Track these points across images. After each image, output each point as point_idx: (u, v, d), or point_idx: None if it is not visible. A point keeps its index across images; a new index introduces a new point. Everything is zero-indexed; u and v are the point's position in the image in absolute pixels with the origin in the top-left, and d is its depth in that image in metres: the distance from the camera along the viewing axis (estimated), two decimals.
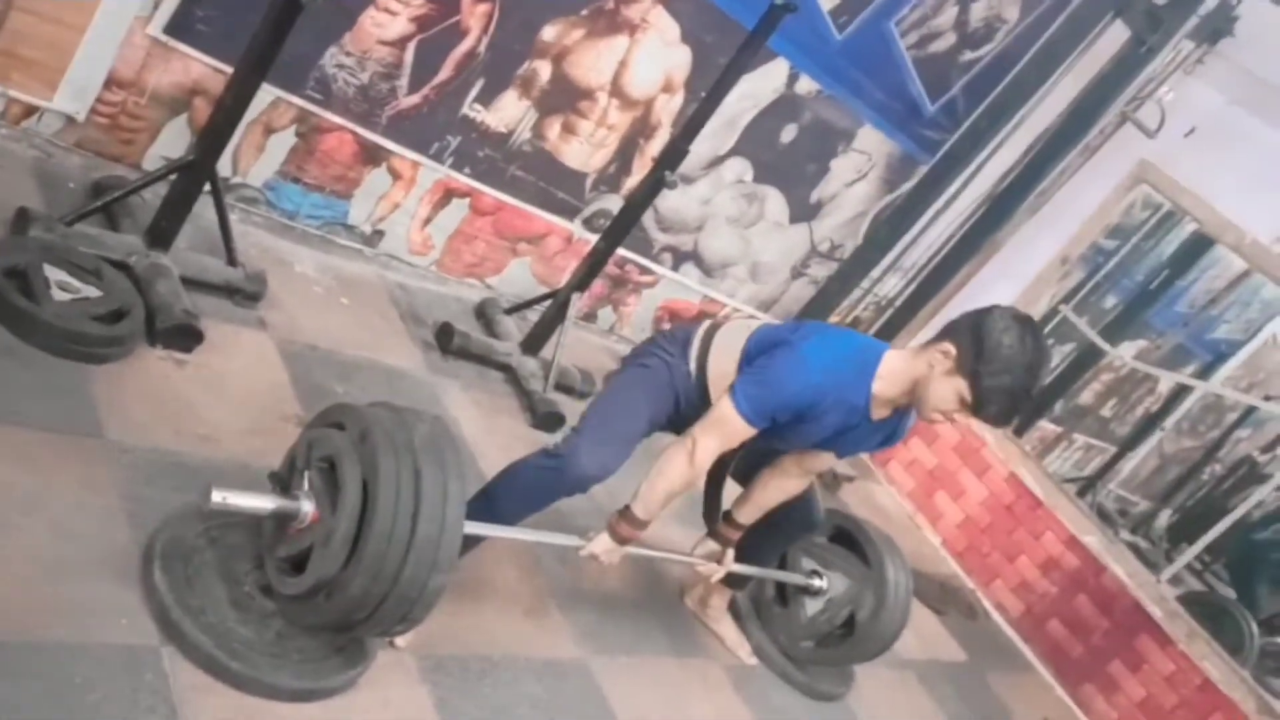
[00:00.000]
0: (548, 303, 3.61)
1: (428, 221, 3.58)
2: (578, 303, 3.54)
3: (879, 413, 2.35)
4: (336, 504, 1.87)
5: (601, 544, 2.41)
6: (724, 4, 3.51)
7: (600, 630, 2.79)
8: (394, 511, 1.81)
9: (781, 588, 3.17)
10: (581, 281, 3.52)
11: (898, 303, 4.82)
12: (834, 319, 4.77)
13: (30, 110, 2.71)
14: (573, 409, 3.64)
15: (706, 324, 2.49)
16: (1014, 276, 4.95)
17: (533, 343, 3.61)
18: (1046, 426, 6.99)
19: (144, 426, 2.31)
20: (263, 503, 1.91)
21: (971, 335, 2.12)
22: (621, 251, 4.10)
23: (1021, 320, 2.14)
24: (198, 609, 1.95)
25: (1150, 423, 6.83)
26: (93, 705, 1.72)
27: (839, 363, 2.27)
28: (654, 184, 3.37)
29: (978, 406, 2.13)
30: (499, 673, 2.40)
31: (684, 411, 2.43)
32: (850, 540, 3.13)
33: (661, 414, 2.44)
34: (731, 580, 3.04)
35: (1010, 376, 2.08)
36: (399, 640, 2.26)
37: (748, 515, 2.72)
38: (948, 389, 2.16)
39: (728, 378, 2.34)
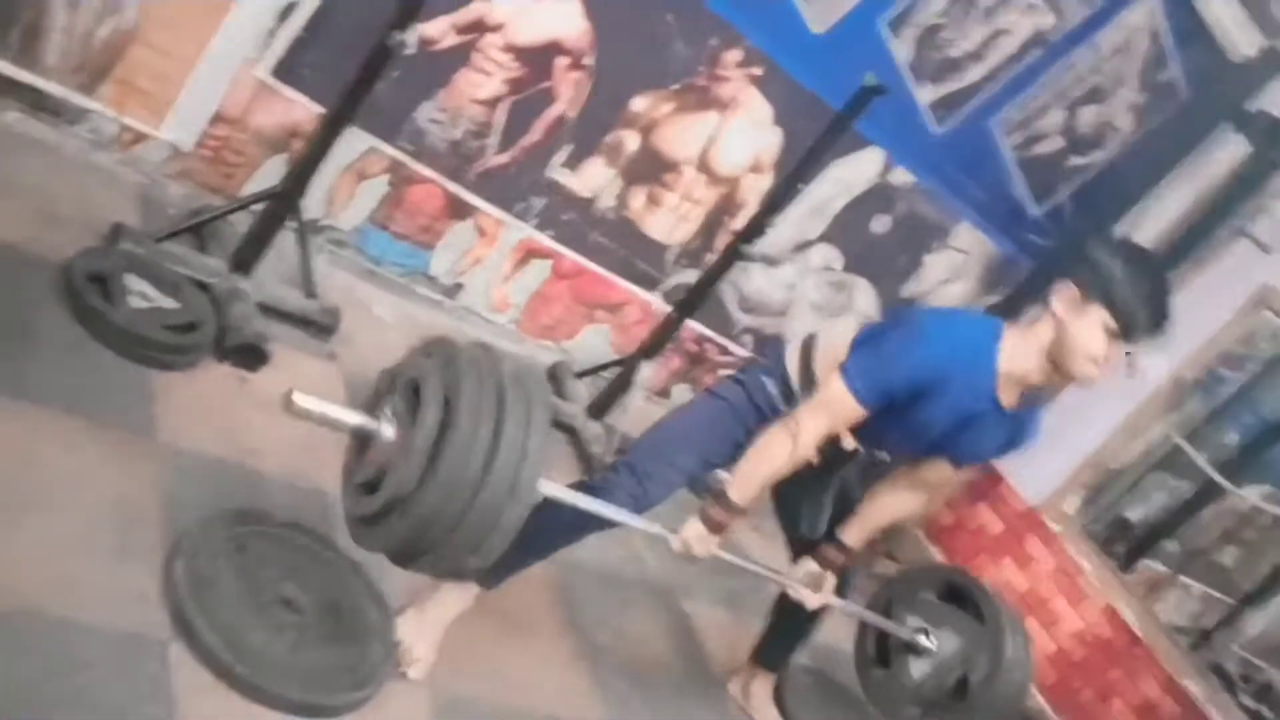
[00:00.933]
0: (618, 369, 3.60)
1: (508, 279, 3.63)
2: (647, 372, 3.51)
3: (1007, 397, 2.13)
4: (417, 421, 1.77)
5: (693, 529, 2.20)
6: (819, 89, 3.53)
7: (630, 700, 2.66)
8: (474, 430, 1.69)
9: (882, 648, 2.79)
10: (650, 350, 3.51)
11: None
12: None
13: (140, 137, 2.89)
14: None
15: (795, 342, 2.37)
16: (1124, 397, 4.71)
17: (599, 408, 3.58)
18: (1158, 569, 6.55)
19: (195, 433, 2.36)
20: (345, 415, 1.81)
21: (1085, 268, 2.00)
22: (701, 329, 4.10)
23: (1124, 240, 2.03)
24: (213, 608, 1.93)
25: (1276, 576, 6.32)
26: (86, 685, 1.70)
27: (961, 334, 2.11)
28: (730, 256, 3.36)
29: (1128, 321, 1.94)
30: None
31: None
32: (961, 598, 2.74)
33: (726, 447, 2.29)
34: (771, 660, 2.88)
35: (1143, 280, 1.96)
36: (413, 671, 2.20)
37: (856, 536, 2.49)
38: (1087, 326, 1.97)
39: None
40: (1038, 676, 4.63)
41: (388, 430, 1.81)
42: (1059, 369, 2.06)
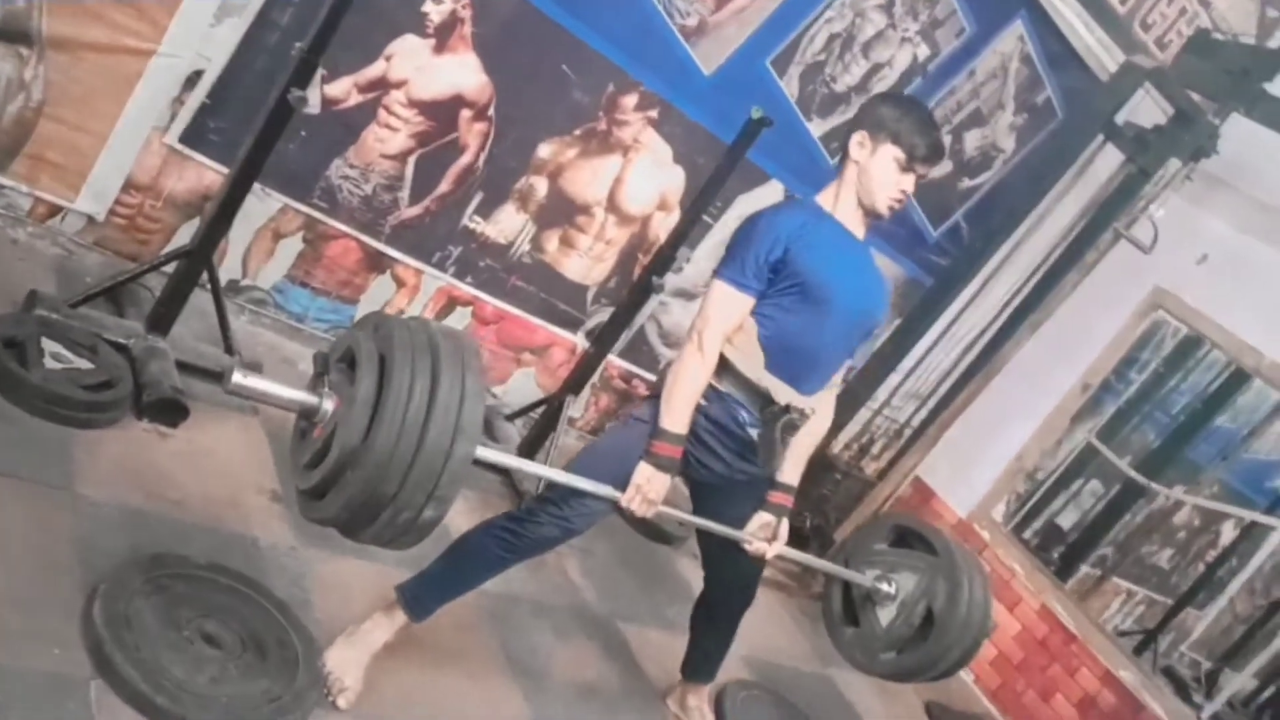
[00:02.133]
0: (544, 409, 3.70)
1: None
2: (571, 408, 3.61)
3: (859, 223, 2.38)
4: (356, 379, 1.81)
5: (643, 473, 2.24)
6: (714, 127, 3.71)
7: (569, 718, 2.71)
8: (411, 374, 1.74)
9: (849, 607, 2.83)
10: (574, 386, 3.61)
11: (913, 424, 4.79)
12: (842, 439, 4.75)
13: (55, 210, 2.97)
14: None
15: None
16: (1034, 408, 4.90)
17: (530, 447, 3.67)
18: (1110, 580, 6.71)
19: (114, 486, 2.41)
20: (283, 391, 1.84)
21: (867, 115, 2.37)
22: (628, 365, 4.22)
23: (890, 91, 2.42)
24: (132, 646, 1.98)
25: (1210, 575, 6.51)
26: None
27: (791, 204, 2.51)
28: (642, 290, 3.50)
29: (912, 150, 2.29)
30: None
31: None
32: (912, 540, 2.82)
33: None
34: (697, 673, 2.95)
35: (914, 113, 2.33)
36: (341, 700, 2.24)
37: (793, 472, 2.55)
38: (881, 163, 2.32)
39: None
40: (983, 682, 4.75)
41: (328, 404, 1.85)
42: (868, 208, 2.37)
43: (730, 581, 2.75)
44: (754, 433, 2.41)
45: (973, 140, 4.33)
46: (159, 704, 1.91)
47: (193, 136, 3.02)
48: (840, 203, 2.38)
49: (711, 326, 2.27)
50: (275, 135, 2.70)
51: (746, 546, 2.51)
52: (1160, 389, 5.44)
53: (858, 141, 2.35)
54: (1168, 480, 5.92)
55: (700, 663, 2.93)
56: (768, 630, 3.94)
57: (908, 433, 4.80)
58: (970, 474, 5.04)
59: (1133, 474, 5.51)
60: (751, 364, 2.34)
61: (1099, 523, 5.92)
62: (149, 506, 2.43)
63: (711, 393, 2.36)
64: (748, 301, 2.28)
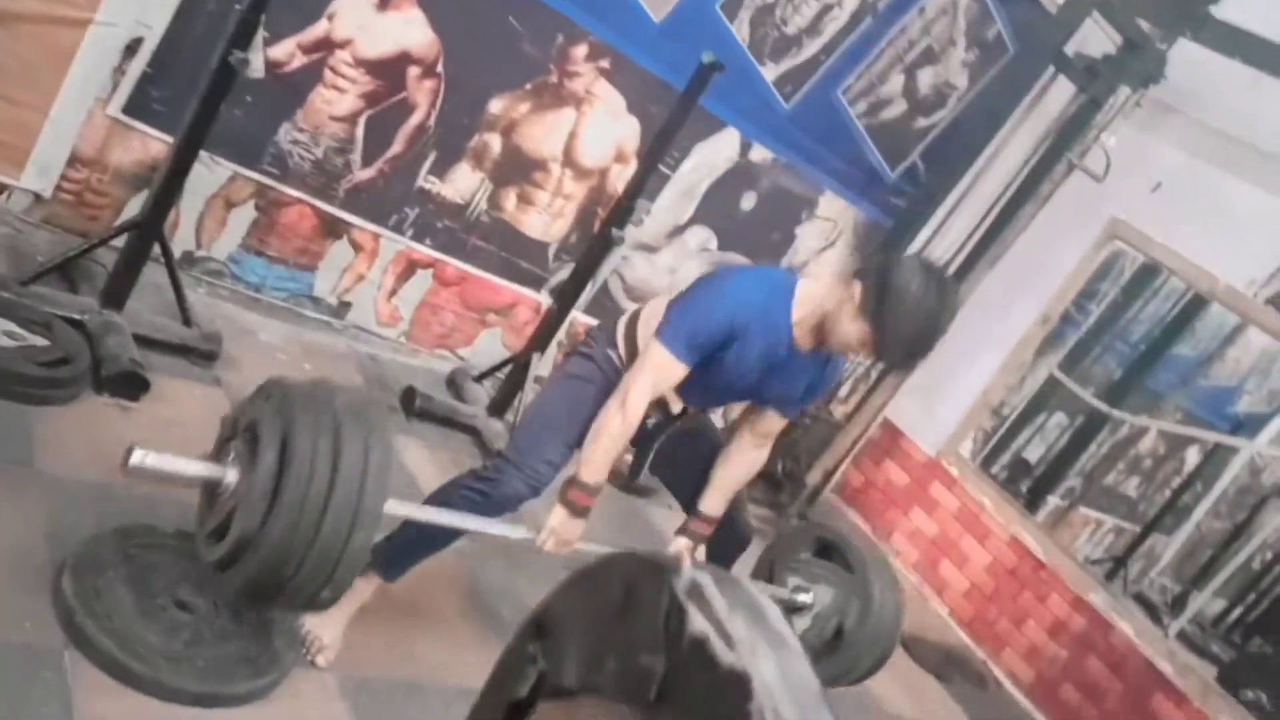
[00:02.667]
0: (511, 367, 3.70)
1: (393, 293, 3.72)
2: (537, 366, 3.62)
3: (804, 341, 2.30)
4: (256, 462, 1.85)
5: (557, 517, 2.30)
6: (667, 75, 3.69)
7: None
8: (311, 464, 1.78)
9: None
10: (540, 344, 3.61)
11: (876, 370, 4.83)
12: None
13: (0, 189, 2.92)
14: None
15: (627, 314, 2.52)
16: (997, 339, 4.96)
17: (499, 406, 3.68)
18: (1076, 511, 6.83)
19: (77, 461, 2.40)
20: (184, 467, 1.88)
21: (878, 279, 2.10)
22: (592, 321, 4.22)
23: (928, 269, 2.13)
24: (104, 615, 1.98)
25: (1175, 500, 6.65)
26: None
27: (757, 285, 2.28)
28: (601, 243, 3.50)
29: (878, 352, 2.17)
30: (427, 698, 2.37)
31: None
32: (833, 551, 2.96)
33: (593, 416, 2.39)
34: None
35: (911, 326, 2.08)
36: (320, 659, 2.26)
37: (714, 505, 2.61)
38: (852, 329, 2.14)
39: None
40: (956, 614, 4.85)
41: (231, 475, 1.90)
42: (823, 334, 2.25)
43: (723, 529, 2.78)
44: (650, 422, 2.52)
45: (926, 79, 4.34)
46: (134, 669, 1.93)
47: (136, 107, 2.97)
48: (805, 307, 2.26)
49: (641, 388, 2.28)
50: (219, 100, 2.66)
51: None
52: (1120, 319, 5.51)
53: (855, 288, 2.15)
54: (1130, 409, 6.03)
55: None
56: (740, 572, 3.99)
57: (874, 374, 4.84)
58: (937, 412, 5.10)
59: (1096, 403, 5.60)
60: None
61: (1065, 454, 6.01)
62: (114, 479, 2.41)
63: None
64: (683, 371, 2.29)
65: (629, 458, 2.66)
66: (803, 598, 2.87)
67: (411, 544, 2.42)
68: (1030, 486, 5.98)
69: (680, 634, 0.59)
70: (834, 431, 4.62)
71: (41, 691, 1.82)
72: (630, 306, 4.28)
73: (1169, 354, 5.87)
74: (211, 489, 1.93)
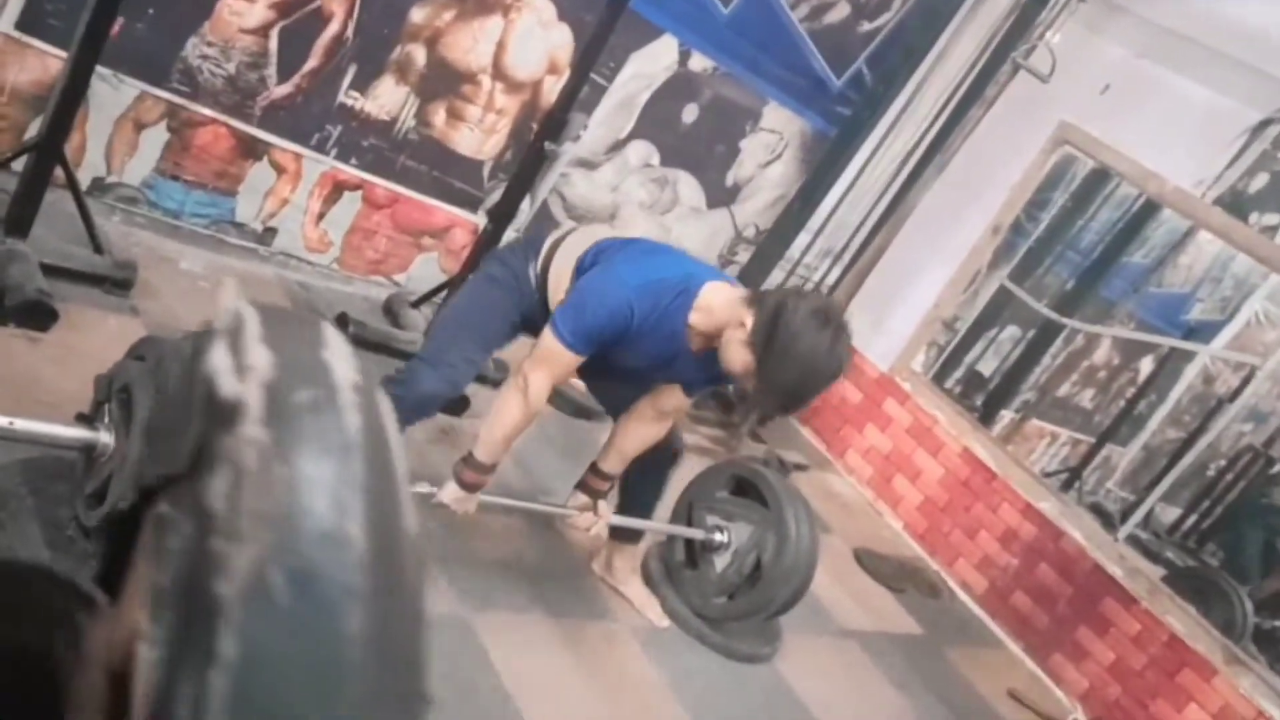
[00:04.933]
0: (448, 291, 3.60)
1: (321, 217, 3.58)
2: None
3: (697, 344, 2.30)
4: (130, 428, 1.82)
5: (450, 492, 2.38)
6: None
7: (488, 590, 2.70)
8: None
9: (691, 552, 3.10)
10: (475, 266, 3.49)
11: (829, 282, 4.77)
12: None
13: None
14: (474, 392, 3.61)
15: (557, 232, 2.46)
16: (947, 252, 4.91)
17: None
18: (1031, 424, 6.88)
19: None
20: (56, 431, 1.85)
21: (770, 318, 2.06)
22: None
23: (824, 317, 2.06)
24: (5, 547, 1.90)
25: (1130, 410, 6.71)
26: None
27: (656, 285, 2.22)
28: (536, 158, 3.37)
29: (760, 393, 2.15)
30: None
31: (529, 318, 2.39)
32: (748, 489, 3.06)
33: (508, 323, 2.42)
34: (626, 533, 2.96)
35: (792, 375, 2.06)
36: None
37: (612, 464, 2.67)
38: (739, 357, 2.15)
39: (562, 290, 2.30)
40: (911, 528, 4.87)
41: (106, 438, 1.85)
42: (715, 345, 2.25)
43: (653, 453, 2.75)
44: None
45: None
46: None
47: (30, 22, 2.79)
48: (704, 317, 2.24)
49: (539, 376, 2.28)
50: (112, 7, 2.50)
51: (569, 522, 2.71)
52: (1071, 227, 5.48)
53: (746, 315, 2.12)
54: (1084, 319, 6.04)
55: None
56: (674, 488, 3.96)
57: (824, 290, 4.78)
58: (889, 327, 5.07)
59: (1048, 313, 5.60)
60: None
61: (1019, 367, 6.03)
62: (20, 412, 2.30)
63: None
64: (577, 360, 2.30)
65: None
66: (719, 536, 3.00)
67: None
68: (984, 400, 6.00)
69: (202, 385, 0.47)
70: None
71: None
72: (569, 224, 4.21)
73: (1121, 262, 5.86)
74: (89, 451, 1.87)
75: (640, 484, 2.84)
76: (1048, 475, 5.95)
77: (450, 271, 3.93)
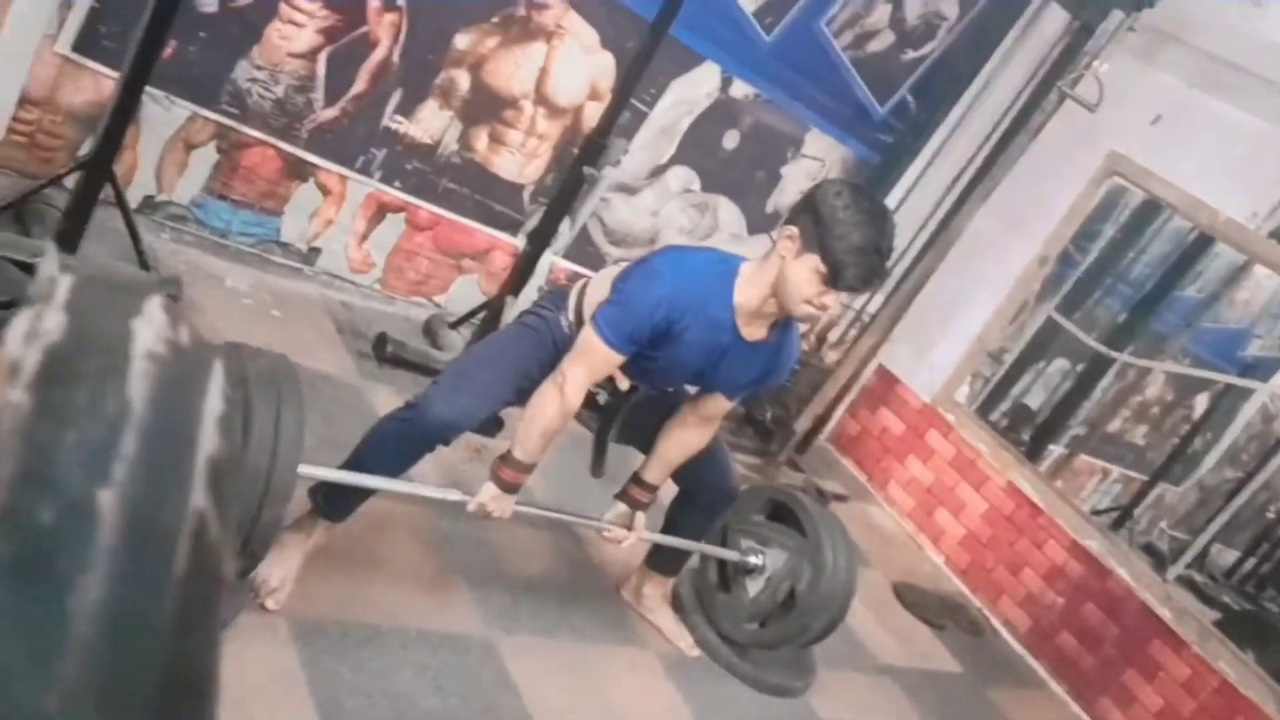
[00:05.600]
0: (485, 313, 3.62)
1: (365, 238, 3.63)
2: (511, 310, 3.53)
3: (750, 330, 2.25)
4: None
5: (487, 492, 2.34)
6: (639, 8, 3.57)
7: (515, 612, 2.69)
8: None
9: (723, 574, 3.06)
10: (514, 287, 3.52)
11: (869, 311, 4.73)
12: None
13: None
14: (510, 414, 3.61)
15: (580, 282, 2.48)
16: (993, 282, 4.85)
17: None
18: (1081, 460, 6.73)
19: None
20: None
21: (808, 210, 2.09)
22: (573, 267, 4.13)
23: (852, 185, 2.12)
24: None
25: (1184, 448, 6.54)
26: None
27: (695, 274, 2.21)
28: (575, 182, 3.40)
29: (835, 274, 2.06)
30: (385, 640, 2.32)
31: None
32: (785, 514, 3.01)
33: (535, 367, 2.38)
34: (662, 564, 2.94)
35: (857, 234, 2.02)
36: (269, 602, 2.20)
37: (655, 474, 2.62)
38: (803, 270, 2.09)
39: None
40: (952, 562, 4.77)
41: None
42: (782, 306, 2.18)
43: (710, 480, 2.72)
44: (602, 397, 2.53)
45: (914, 8, 4.19)
46: None
47: (86, 44, 2.88)
48: (748, 291, 2.21)
49: (578, 374, 2.26)
50: (163, 30, 2.56)
51: (604, 535, 2.64)
52: (1122, 259, 5.37)
53: (787, 236, 2.13)
54: (1135, 353, 5.90)
55: (669, 557, 2.91)
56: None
57: (867, 319, 4.74)
58: (932, 357, 5.00)
59: (1096, 345, 5.48)
60: None
61: (1068, 400, 5.90)
62: None
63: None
64: (616, 359, 2.26)
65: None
66: (754, 560, 2.93)
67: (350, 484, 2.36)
68: (1032, 434, 5.88)
69: None
70: (824, 377, 4.53)
71: None
72: (611, 251, 4.22)
73: (1174, 296, 5.73)
74: None
75: (685, 527, 2.82)
76: (1098, 513, 5.81)
77: (490, 294, 3.96)
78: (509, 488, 2.35)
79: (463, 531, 2.88)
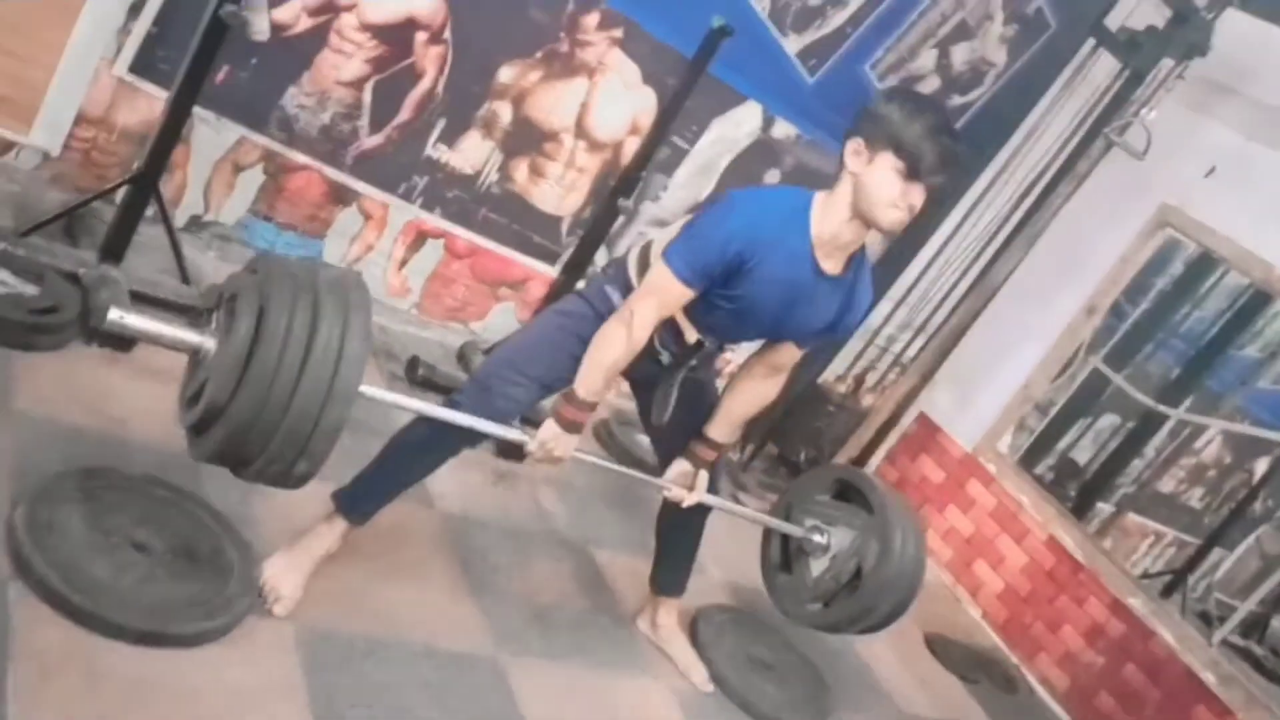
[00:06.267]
0: None
1: (404, 263, 3.70)
2: None
3: (828, 263, 2.19)
4: (230, 332, 1.82)
5: (549, 430, 2.24)
6: (682, 47, 3.61)
7: (526, 633, 2.68)
8: (285, 337, 1.74)
9: (786, 553, 2.88)
10: None
11: (909, 355, 4.68)
12: (834, 370, 4.66)
13: (9, 146, 2.97)
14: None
15: (638, 246, 2.42)
16: (1039, 330, 4.76)
17: None
18: (1131, 519, 6.53)
19: (55, 403, 2.41)
20: (165, 329, 1.86)
21: (866, 119, 2.08)
22: None
23: (897, 87, 2.14)
24: (53, 548, 1.97)
25: (1241, 512, 6.31)
26: None
27: (769, 208, 2.17)
28: (609, 213, 3.43)
29: (916, 162, 2.01)
30: (389, 653, 2.32)
31: None
32: (853, 493, 2.84)
33: (573, 358, 2.31)
34: (666, 585, 2.90)
35: (921, 121, 2.01)
36: (277, 608, 2.22)
37: (721, 431, 2.54)
38: (880, 173, 2.05)
39: None
40: (990, 616, 4.65)
41: (209, 344, 1.87)
42: (867, 222, 2.12)
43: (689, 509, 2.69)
44: (665, 356, 2.41)
45: (961, 55, 4.19)
46: (75, 602, 1.91)
47: (142, 66, 3.01)
48: (826, 220, 2.15)
49: (645, 308, 2.20)
50: (211, 54, 2.67)
51: (665, 494, 2.55)
52: (1174, 313, 5.25)
53: (853, 150, 2.10)
54: (1190, 411, 5.73)
55: (667, 574, 2.88)
56: (755, 559, 3.84)
57: (906, 362, 4.68)
58: (975, 405, 4.92)
59: (1143, 399, 5.33)
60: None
61: (1117, 457, 5.75)
62: (89, 423, 2.43)
63: None
64: (689, 294, 2.21)
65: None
66: (818, 538, 2.76)
67: (376, 479, 2.37)
68: (1079, 490, 5.72)
69: None
70: (859, 420, 4.48)
71: None
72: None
73: (1230, 354, 5.57)
74: (193, 354, 1.91)
75: (673, 540, 2.81)
76: (1148, 576, 5.63)
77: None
78: (571, 426, 2.25)
79: (479, 547, 2.89)
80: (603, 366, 2.23)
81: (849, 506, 2.81)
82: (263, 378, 1.74)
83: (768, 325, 2.34)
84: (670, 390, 2.46)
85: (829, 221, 2.14)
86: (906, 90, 2.03)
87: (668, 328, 2.33)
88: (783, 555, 2.89)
